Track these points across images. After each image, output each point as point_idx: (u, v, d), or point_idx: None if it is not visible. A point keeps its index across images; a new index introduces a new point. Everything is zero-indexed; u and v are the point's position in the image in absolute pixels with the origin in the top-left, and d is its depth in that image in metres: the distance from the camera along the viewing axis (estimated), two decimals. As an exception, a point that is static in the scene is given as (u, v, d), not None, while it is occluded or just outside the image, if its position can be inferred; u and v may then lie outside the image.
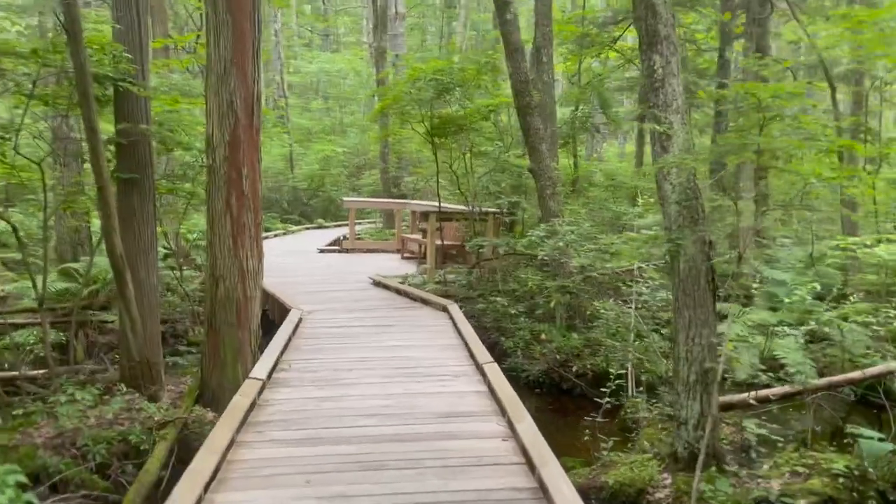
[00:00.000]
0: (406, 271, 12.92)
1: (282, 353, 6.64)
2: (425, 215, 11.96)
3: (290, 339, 7.20)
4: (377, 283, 11.23)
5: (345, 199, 16.31)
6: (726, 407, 6.01)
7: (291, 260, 14.20)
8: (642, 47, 5.08)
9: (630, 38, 17.12)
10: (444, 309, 8.85)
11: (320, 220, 21.78)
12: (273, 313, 9.88)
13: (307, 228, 20.92)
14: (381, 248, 16.31)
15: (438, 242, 12.52)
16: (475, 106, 10.12)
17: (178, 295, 9.93)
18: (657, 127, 4.73)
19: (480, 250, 10.30)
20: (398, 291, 10.45)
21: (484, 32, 29.61)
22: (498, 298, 7.92)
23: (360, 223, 18.61)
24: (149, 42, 6.28)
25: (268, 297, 10.11)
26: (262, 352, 6.55)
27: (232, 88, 5.72)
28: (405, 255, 15.16)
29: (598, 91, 11.50)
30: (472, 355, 6.62)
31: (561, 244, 6.78)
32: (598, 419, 6.62)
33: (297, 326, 7.83)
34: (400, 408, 5.15)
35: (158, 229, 9.80)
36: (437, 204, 13.55)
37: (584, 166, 12.14)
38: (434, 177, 20.74)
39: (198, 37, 8.99)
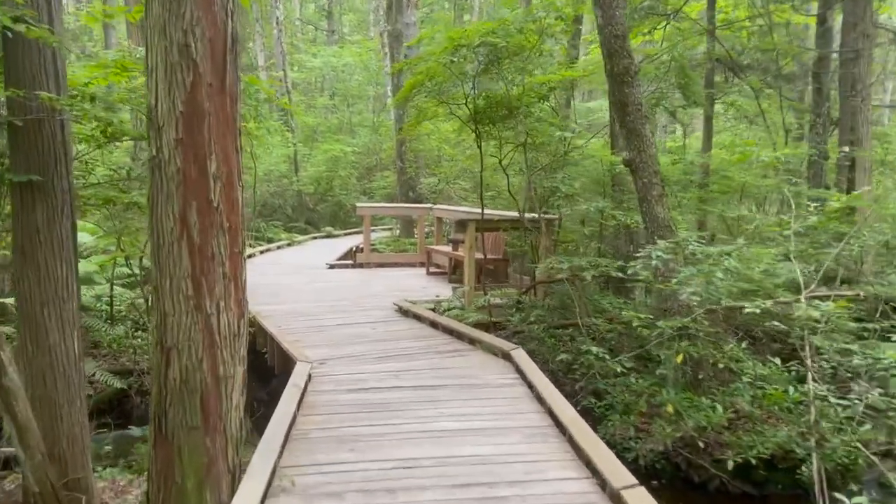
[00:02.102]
0: (436, 292, 10.52)
1: (282, 450, 4.24)
2: (462, 224, 9.55)
3: (293, 421, 4.78)
4: (405, 312, 8.82)
5: (358, 205, 13.95)
6: None
7: (296, 279, 11.81)
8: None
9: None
10: (506, 356, 6.44)
11: (329, 228, 19.41)
12: (272, 359, 7.48)
13: (314, 238, 18.53)
14: (401, 262, 13.90)
15: (479, 256, 10.10)
16: (532, 82, 7.69)
17: (149, 333, 7.52)
18: None
19: (535, 268, 7.91)
20: (434, 324, 8.04)
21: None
22: (593, 348, 5.49)
23: (373, 230, 16.24)
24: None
25: (266, 338, 7.72)
26: (252, 433, 4.20)
27: (188, 23, 3.31)
28: (431, 269, 12.76)
29: (680, 65, 9.06)
30: (577, 450, 4.20)
31: (719, 275, 4.39)
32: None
33: (303, 392, 5.42)
34: None
35: (119, 253, 7.51)
36: (474, 210, 11.12)
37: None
38: (456, 178, 18.35)
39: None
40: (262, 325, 7.78)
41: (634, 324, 5.56)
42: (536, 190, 7.88)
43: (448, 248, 12.13)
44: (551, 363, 6.69)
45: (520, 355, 6.25)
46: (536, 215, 8.86)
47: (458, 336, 7.45)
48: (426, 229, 14.67)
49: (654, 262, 4.87)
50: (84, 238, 12.05)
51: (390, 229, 18.98)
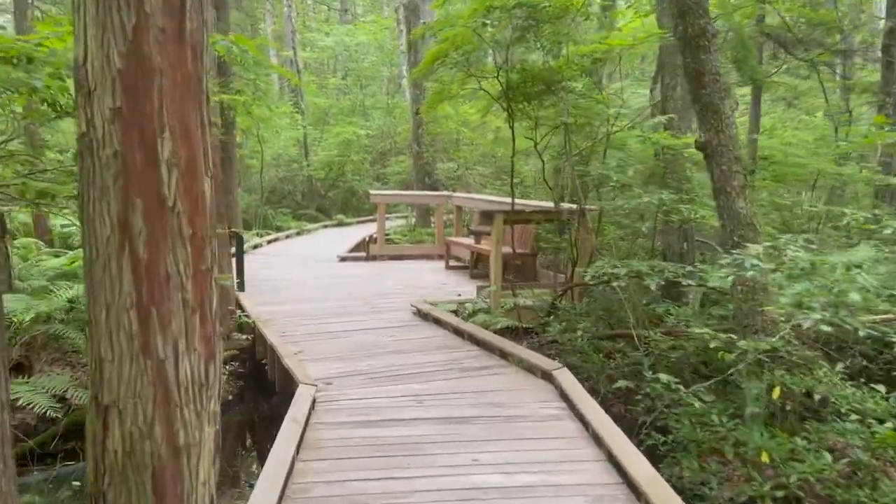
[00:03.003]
0: (457, 290, 9.53)
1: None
2: (488, 215, 8.50)
3: (290, 471, 3.78)
4: (425, 316, 7.82)
5: (371, 192, 12.94)
6: None
7: (304, 273, 10.83)
8: None
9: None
10: (547, 377, 5.41)
11: (340, 216, 18.41)
12: (273, 373, 6.50)
13: (325, 226, 17.55)
14: (417, 254, 12.88)
15: (506, 250, 9.05)
16: (574, 53, 6.60)
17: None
18: None
19: (584, 273, 6.86)
20: (458, 332, 7.03)
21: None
22: (662, 376, 4.43)
23: (387, 217, 15.15)
24: None
25: (266, 348, 6.73)
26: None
27: (127, -61, 2.27)
28: (450, 262, 11.73)
29: (739, 37, 7.90)
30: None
31: (855, 297, 3.34)
32: None
33: (305, 428, 4.42)
34: None
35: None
36: (501, 199, 10.07)
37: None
38: (476, 164, 17.22)
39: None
40: (263, 333, 6.80)
41: (712, 345, 4.50)
42: (578, 177, 6.80)
43: (469, 241, 11.10)
44: (600, 384, 5.66)
45: (565, 377, 5.22)
46: (575, 206, 7.79)
47: (487, 347, 6.43)
48: (444, 218, 13.61)
49: (749, 273, 3.81)
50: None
51: (405, 217, 17.94)
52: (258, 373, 7.22)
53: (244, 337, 6.86)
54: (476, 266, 11.08)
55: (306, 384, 5.10)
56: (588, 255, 7.56)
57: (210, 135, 2.58)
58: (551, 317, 6.78)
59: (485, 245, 10.24)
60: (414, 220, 16.48)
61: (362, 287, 9.75)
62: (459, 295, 9.15)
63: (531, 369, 5.66)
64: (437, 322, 7.52)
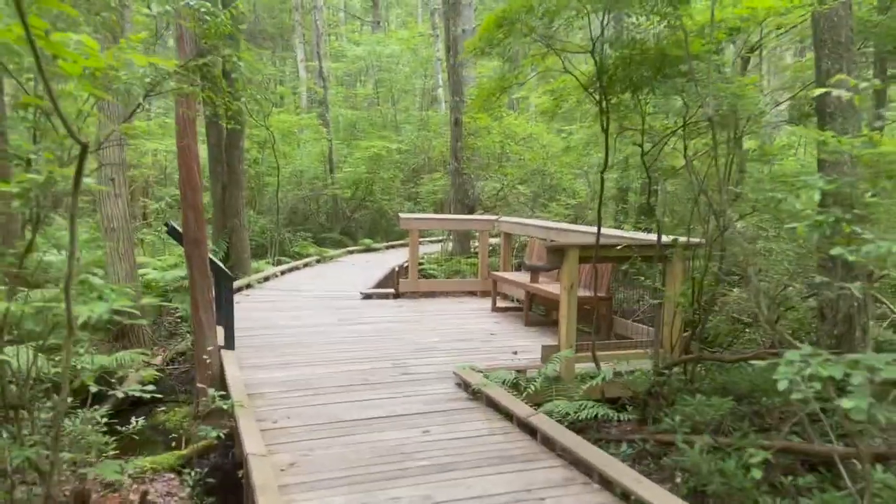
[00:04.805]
0: (512, 343, 7.38)
1: None
2: (559, 252, 6.20)
3: None
4: (474, 393, 5.59)
5: (402, 215, 10.77)
6: None
7: (317, 318, 8.66)
8: None
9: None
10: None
11: (367, 241, 16.29)
12: (247, 500, 4.29)
13: (349, 252, 15.43)
14: (456, 291, 10.66)
15: (585, 294, 6.77)
16: (701, 21, 4.36)
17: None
18: None
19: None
20: (525, 427, 4.78)
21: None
22: None
23: (420, 242, 12.73)
24: None
25: (242, 452, 4.52)
26: None
27: None
28: (498, 303, 9.47)
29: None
30: None
31: None
32: None
33: None
34: None
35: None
36: (566, 226, 7.84)
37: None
38: (522, 182, 14.97)
39: None
40: (239, 428, 4.61)
41: None
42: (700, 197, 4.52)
43: (523, 277, 8.84)
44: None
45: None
46: (684, 239, 5.51)
47: (577, 463, 4.16)
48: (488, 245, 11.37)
49: None
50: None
51: (441, 241, 15.74)
52: (239, 480, 5.04)
53: (214, 434, 4.68)
54: (531, 308, 8.84)
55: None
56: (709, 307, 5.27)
57: None
58: (667, 410, 4.48)
59: (547, 287, 7.99)
60: (451, 245, 14.28)
61: (389, 339, 7.57)
62: (516, 353, 6.95)
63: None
64: (493, 406, 5.29)
